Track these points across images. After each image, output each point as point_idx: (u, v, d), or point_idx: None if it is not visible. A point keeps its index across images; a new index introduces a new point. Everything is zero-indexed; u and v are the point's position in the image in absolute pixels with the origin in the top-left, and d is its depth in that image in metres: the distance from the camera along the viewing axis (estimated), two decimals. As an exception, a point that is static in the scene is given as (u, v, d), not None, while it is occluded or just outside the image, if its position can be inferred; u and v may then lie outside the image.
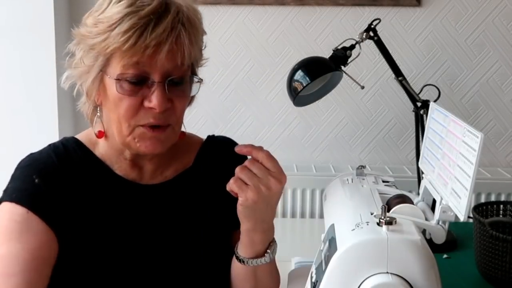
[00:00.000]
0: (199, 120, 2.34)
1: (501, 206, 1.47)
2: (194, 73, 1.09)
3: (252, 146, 1.04)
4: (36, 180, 1.03)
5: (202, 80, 1.09)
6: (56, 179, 1.04)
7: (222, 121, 2.35)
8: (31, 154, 1.09)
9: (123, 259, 1.06)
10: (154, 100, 0.99)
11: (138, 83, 0.99)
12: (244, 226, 1.05)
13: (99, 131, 1.07)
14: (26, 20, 2.09)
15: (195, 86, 1.09)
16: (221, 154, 1.18)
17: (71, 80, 1.06)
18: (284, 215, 2.24)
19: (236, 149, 1.05)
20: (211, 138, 1.21)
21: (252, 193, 1.00)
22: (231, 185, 1.02)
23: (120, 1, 0.98)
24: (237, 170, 1.02)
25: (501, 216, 1.46)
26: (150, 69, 0.98)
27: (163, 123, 1.02)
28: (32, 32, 2.10)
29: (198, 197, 1.14)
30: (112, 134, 1.05)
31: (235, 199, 1.05)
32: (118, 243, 1.06)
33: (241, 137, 2.34)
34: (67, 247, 1.03)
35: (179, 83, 1.03)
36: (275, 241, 1.13)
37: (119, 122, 1.01)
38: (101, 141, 1.09)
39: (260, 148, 1.04)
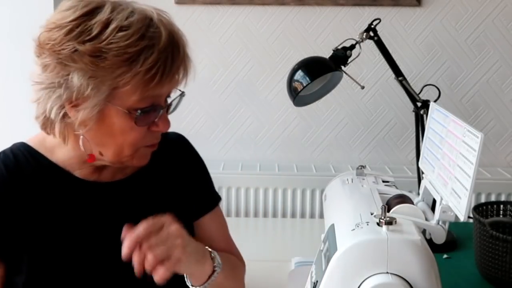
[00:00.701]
0: (199, 120, 2.34)
1: (501, 206, 1.47)
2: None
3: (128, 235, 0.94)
4: None
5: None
6: (6, 192, 1.02)
7: (222, 121, 2.35)
8: None
9: (88, 258, 1.05)
10: (161, 125, 1.02)
11: (148, 112, 0.99)
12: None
13: (91, 155, 1.02)
14: (26, 20, 2.09)
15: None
16: (175, 150, 1.19)
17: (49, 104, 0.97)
18: (284, 215, 2.24)
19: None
20: (163, 135, 1.15)
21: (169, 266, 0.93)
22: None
23: (122, 30, 0.93)
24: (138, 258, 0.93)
25: (501, 216, 1.46)
26: (159, 98, 1.00)
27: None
28: (33, 33, 2.10)
29: (157, 191, 1.14)
30: (100, 153, 1.02)
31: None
32: (83, 242, 1.05)
33: (241, 137, 2.35)
34: (31, 253, 1.02)
35: (170, 100, 1.06)
36: (211, 251, 1.08)
37: (121, 146, 1.00)
38: (61, 148, 1.05)
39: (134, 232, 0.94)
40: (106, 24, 0.93)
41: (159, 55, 0.94)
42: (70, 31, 0.94)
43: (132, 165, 1.05)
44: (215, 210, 1.23)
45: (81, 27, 0.94)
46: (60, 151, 1.06)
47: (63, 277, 1.03)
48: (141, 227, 0.92)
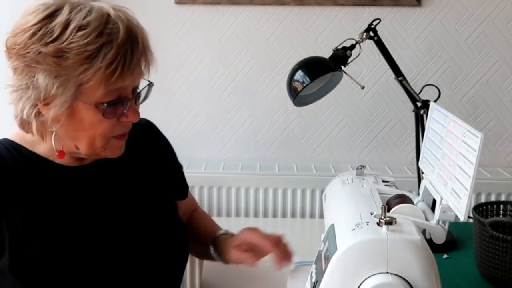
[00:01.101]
0: (199, 120, 2.34)
1: (501, 206, 1.47)
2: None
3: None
4: None
5: (153, 83, 1.13)
6: None
7: (222, 121, 2.35)
8: None
9: (80, 241, 1.08)
10: (131, 116, 1.07)
11: (115, 103, 1.03)
12: None
13: (60, 151, 1.07)
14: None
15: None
16: (146, 132, 1.26)
17: (22, 102, 1.03)
18: (284, 215, 2.24)
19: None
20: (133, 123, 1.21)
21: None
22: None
23: (81, 29, 0.97)
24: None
25: (501, 216, 1.46)
26: (125, 90, 1.04)
27: (130, 128, 1.11)
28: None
29: (133, 169, 1.20)
30: (72, 146, 1.07)
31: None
32: (74, 226, 1.08)
33: (241, 137, 2.35)
34: (15, 237, 1.04)
35: (138, 91, 1.09)
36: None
37: (92, 138, 1.05)
38: (40, 143, 1.10)
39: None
40: (66, 25, 0.98)
41: (118, 49, 0.99)
42: (33, 35, 0.99)
43: (107, 156, 1.09)
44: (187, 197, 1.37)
45: (42, 30, 0.98)
46: (40, 146, 1.10)
47: (54, 259, 1.05)
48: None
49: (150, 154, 1.24)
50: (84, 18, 0.98)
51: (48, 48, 0.97)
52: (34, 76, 0.99)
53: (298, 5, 2.25)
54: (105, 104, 1.02)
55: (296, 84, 1.64)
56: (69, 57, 0.97)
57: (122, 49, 0.99)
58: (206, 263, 1.69)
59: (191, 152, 2.33)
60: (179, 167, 1.35)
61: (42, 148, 1.10)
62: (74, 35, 0.97)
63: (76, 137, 1.06)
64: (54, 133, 1.05)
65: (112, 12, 1.02)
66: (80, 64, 0.97)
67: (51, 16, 0.99)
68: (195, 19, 2.27)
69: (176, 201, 1.30)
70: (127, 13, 1.05)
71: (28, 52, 0.98)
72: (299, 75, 1.64)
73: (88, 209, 1.11)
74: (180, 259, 1.23)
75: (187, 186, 1.37)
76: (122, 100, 1.04)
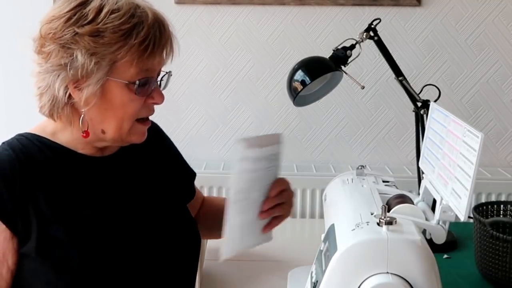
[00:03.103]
0: (199, 120, 2.34)
1: (502, 206, 1.47)
2: None
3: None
4: None
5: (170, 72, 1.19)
6: (15, 170, 1.08)
7: (222, 121, 2.35)
8: None
9: (102, 223, 1.12)
10: (157, 97, 1.12)
11: (145, 84, 1.09)
12: None
13: (86, 131, 1.11)
14: (26, 20, 2.09)
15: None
16: (154, 132, 1.29)
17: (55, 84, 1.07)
18: (284, 215, 2.23)
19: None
20: None
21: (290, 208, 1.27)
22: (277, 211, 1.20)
23: (114, 12, 1.05)
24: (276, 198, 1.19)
25: (501, 216, 1.46)
26: (153, 71, 1.11)
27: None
28: (32, 33, 2.10)
29: (149, 161, 1.25)
30: (100, 131, 1.11)
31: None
32: (96, 212, 1.12)
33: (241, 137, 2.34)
34: (43, 226, 1.07)
35: (160, 76, 1.16)
36: None
37: (121, 120, 1.10)
38: (62, 132, 1.14)
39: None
40: (99, 9, 1.05)
41: (149, 29, 1.06)
42: (68, 19, 1.05)
43: (131, 141, 1.14)
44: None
45: (77, 15, 1.05)
46: (62, 135, 1.14)
47: (79, 242, 1.09)
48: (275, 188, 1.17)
49: (160, 156, 1.29)
50: (115, 3, 1.06)
51: (84, 28, 1.04)
52: (73, 55, 1.04)
53: (298, 5, 2.25)
54: (137, 82, 1.07)
55: (296, 84, 1.64)
56: (105, 35, 1.04)
57: (152, 29, 1.07)
58: (206, 262, 1.69)
59: (191, 152, 2.33)
60: (186, 169, 1.39)
61: (64, 138, 1.14)
62: (108, 17, 1.04)
63: (104, 119, 1.10)
64: (82, 116, 1.10)
65: (139, 0, 1.10)
66: (115, 42, 1.04)
67: (84, 3, 1.06)
68: (195, 19, 2.27)
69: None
70: (150, 4, 1.14)
71: (64, 35, 1.04)
72: (299, 75, 1.64)
73: (108, 197, 1.15)
74: (193, 251, 1.26)
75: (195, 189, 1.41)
76: (150, 80, 1.10)
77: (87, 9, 1.05)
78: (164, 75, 1.15)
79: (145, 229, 1.16)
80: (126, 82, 1.07)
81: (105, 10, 1.05)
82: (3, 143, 1.13)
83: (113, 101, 1.08)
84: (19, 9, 2.11)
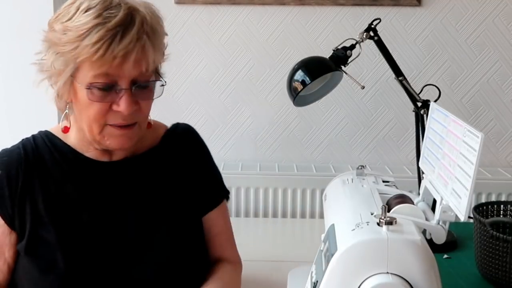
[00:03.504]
0: (199, 120, 2.34)
1: (502, 206, 1.47)
2: (158, 74, 1.15)
3: None
4: None
5: (165, 83, 1.14)
6: (20, 169, 1.11)
7: (222, 121, 2.35)
8: (3, 149, 1.16)
9: (95, 230, 1.12)
10: (122, 106, 1.06)
11: (107, 89, 1.05)
12: None
13: (65, 127, 1.13)
14: (26, 20, 2.09)
15: (159, 88, 1.14)
16: (184, 140, 1.25)
17: (43, 80, 1.11)
18: (284, 215, 2.23)
19: None
20: (176, 125, 1.28)
21: None
22: None
23: (87, 11, 1.03)
24: None
25: (501, 216, 1.45)
26: (118, 77, 1.05)
27: (131, 122, 1.09)
28: (32, 32, 2.09)
29: (165, 173, 1.19)
30: (83, 129, 1.11)
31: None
32: (94, 218, 1.12)
33: (241, 137, 2.34)
34: (38, 228, 1.10)
35: (145, 87, 1.09)
36: None
37: (89, 122, 1.08)
38: (71, 132, 1.15)
39: None
40: (78, 7, 1.04)
41: (107, 32, 1.01)
42: (57, 16, 1.07)
43: (110, 147, 1.11)
44: (220, 206, 1.27)
45: (64, 11, 1.06)
46: (71, 135, 1.16)
47: (68, 246, 1.10)
48: None
49: (183, 163, 1.21)
50: (93, 1, 1.04)
51: (58, 26, 1.05)
52: (47, 51, 1.07)
53: (298, 5, 2.25)
54: (94, 87, 1.04)
55: (296, 84, 1.64)
56: (67, 35, 1.02)
57: (110, 32, 1.01)
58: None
59: (191, 152, 2.33)
60: (214, 175, 1.28)
61: (72, 139, 1.15)
62: (78, 16, 1.03)
63: (81, 119, 1.09)
64: (66, 111, 1.11)
65: (124, 0, 1.06)
66: (73, 41, 1.02)
67: (76, 1, 1.06)
68: (195, 19, 2.27)
69: (204, 214, 1.24)
70: (149, 7, 1.09)
71: (48, 31, 1.07)
72: (299, 75, 1.63)
73: (109, 205, 1.13)
74: (191, 275, 1.17)
75: (221, 194, 1.28)
76: (112, 86, 1.05)
77: (73, 6, 1.05)
78: (146, 84, 1.08)
79: (138, 245, 1.13)
80: (85, 85, 1.04)
81: (81, 8, 1.04)
82: (23, 139, 1.17)
83: (80, 102, 1.07)
84: (19, 9, 2.11)
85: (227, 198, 1.29)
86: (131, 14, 1.04)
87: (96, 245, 1.10)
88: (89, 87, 1.04)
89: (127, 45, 1.02)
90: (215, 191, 1.27)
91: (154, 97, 1.12)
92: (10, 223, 1.11)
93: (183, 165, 1.21)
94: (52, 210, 1.10)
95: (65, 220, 1.10)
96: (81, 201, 1.12)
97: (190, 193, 1.20)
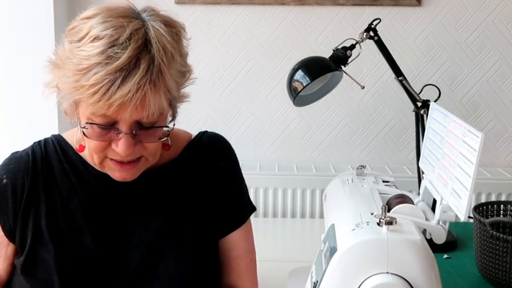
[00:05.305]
0: (199, 120, 2.34)
1: (502, 206, 1.47)
2: (172, 107, 1.08)
3: None
4: (4, 180, 1.05)
5: (174, 126, 1.06)
6: (27, 180, 1.05)
7: (222, 121, 2.35)
8: (13, 152, 1.10)
9: (99, 258, 1.05)
10: (120, 148, 0.96)
11: (106, 128, 0.96)
12: None
13: (80, 145, 1.04)
14: (26, 20, 2.09)
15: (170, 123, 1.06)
16: (209, 151, 1.15)
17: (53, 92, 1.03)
18: (284, 215, 2.23)
19: None
20: (201, 133, 1.19)
21: None
22: None
23: (94, 40, 0.92)
24: None
25: (501, 216, 1.46)
26: (117, 119, 0.95)
27: (132, 159, 0.99)
28: (32, 32, 2.10)
29: (183, 190, 1.10)
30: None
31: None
32: (96, 242, 1.05)
33: (241, 137, 2.34)
34: (34, 238, 1.04)
35: (150, 128, 0.98)
36: None
37: (90, 151, 1.00)
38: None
39: None
40: (90, 29, 0.93)
41: (106, 75, 0.90)
42: (73, 27, 0.97)
43: (113, 176, 1.02)
44: (244, 226, 1.16)
45: (79, 25, 0.95)
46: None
47: (65, 267, 1.04)
48: None
49: (205, 177, 1.11)
50: (104, 30, 0.92)
51: (67, 44, 0.96)
52: (53, 66, 0.99)
53: (298, 5, 2.25)
54: (93, 123, 0.95)
55: (296, 84, 1.64)
56: (71, 62, 0.93)
57: (109, 77, 0.90)
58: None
59: (191, 152, 2.33)
60: (240, 192, 1.16)
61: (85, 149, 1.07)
62: (86, 43, 0.92)
63: (86, 142, 1.01)
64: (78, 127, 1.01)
65: (126, 35, 0.92)
66: (74, 74, 0.92)
67: (90, 18, 0.95)
68: (195, 19, 2.27)
69: (224, 235, 1.14)
70: (169, 29, 0.99)
71: (61, 44, 0.97)
72: (299, 75, 1.64)
73: (112, 228, 1.06)
74: None
75: (245, 213, 1.17)
76: (111, 128, 0.95)
77: (87, 24, 0.94)
78: (149, 128, 0.97)
79: (141, 275, 1.05)
80: (85, 119, 0.96)
81: (91, 33, 0.93)
82: (34, 143, 1.10)
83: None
84: (19, 10, 2.11)
85: (248, 217, 1.17)
86: (137, 57, 0.91)
87: (96, 272, 1.04)
88: (88, 123, 0.95)
89: (124, 95, 0.90)
90: (239, 208, 1.15)
91: (160, 140, 1.00)
92: (10, 235, 1.06)
93: (205, 180, 1.10)
94: (54, 228, 1.04)
95: (66, 241, 1.04)
96: (85, 221, 1.05)
97: (210, 213, 1.10)
